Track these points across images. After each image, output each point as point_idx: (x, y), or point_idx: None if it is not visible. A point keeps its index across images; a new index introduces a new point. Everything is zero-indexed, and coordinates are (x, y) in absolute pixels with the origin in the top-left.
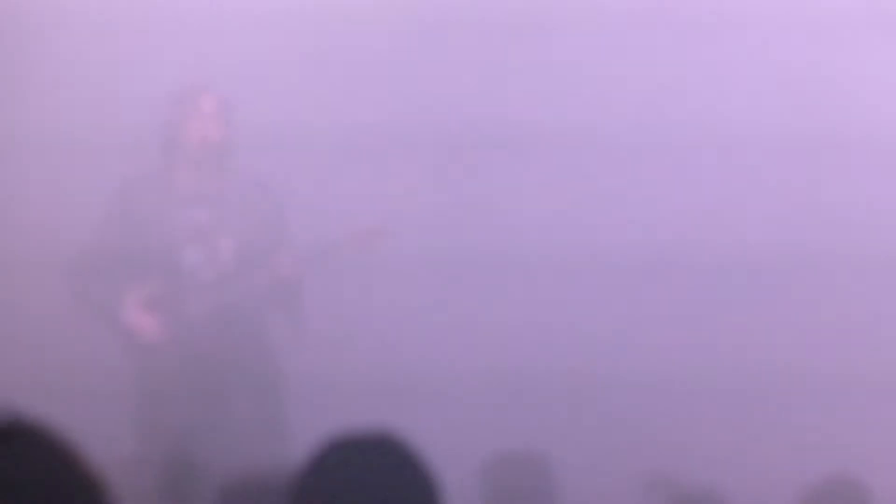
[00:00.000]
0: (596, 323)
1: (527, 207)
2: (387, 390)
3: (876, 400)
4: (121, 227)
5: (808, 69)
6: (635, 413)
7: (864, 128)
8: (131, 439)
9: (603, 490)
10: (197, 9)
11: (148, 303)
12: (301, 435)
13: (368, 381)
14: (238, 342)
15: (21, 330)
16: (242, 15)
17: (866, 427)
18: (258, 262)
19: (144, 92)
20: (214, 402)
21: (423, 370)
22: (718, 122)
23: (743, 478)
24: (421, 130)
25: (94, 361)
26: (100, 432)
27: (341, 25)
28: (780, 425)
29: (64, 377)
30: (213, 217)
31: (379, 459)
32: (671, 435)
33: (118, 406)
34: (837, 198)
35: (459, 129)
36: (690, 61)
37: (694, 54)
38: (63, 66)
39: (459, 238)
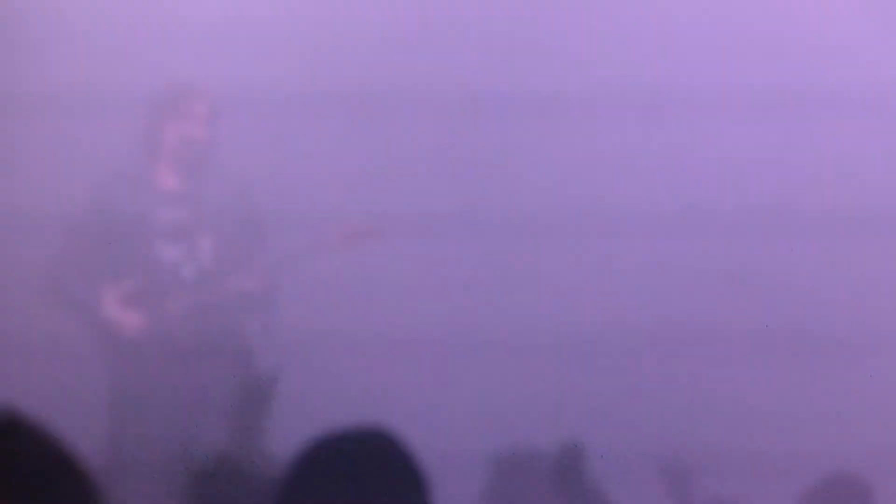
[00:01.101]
0: (604, 283)
1: (529, 171)
2: (380, 384)
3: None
4: (100, 222)
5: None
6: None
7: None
8: (111, 436)
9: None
10: None
11: (127, 298)
12: (284, 434)
13: (361, 375)
14: (218, 340)
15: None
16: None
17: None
18: (238, 261)
19: (128, 86)
20: (194, 399)
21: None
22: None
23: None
24: (419, 99)
25: (73, 357)
26: (80, 430)
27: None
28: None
29: (44, 372)
30: (192, 215)
31: (367, 454)
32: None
33: (96, 403)
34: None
35: (460, 94)
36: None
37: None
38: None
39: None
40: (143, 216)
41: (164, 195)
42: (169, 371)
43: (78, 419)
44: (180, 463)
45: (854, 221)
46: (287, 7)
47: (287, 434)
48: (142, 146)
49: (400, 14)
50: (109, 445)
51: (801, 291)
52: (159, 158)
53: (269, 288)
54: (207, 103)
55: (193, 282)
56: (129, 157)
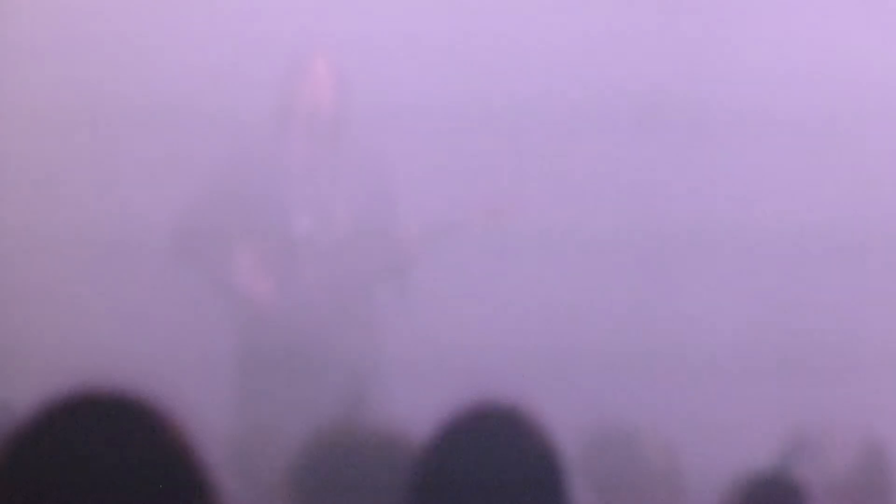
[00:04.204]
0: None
1: None
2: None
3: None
4: (232, 191)
5: None
6: None
7: None
8: (230, 405)
9: None
10: None
11: (260, 265)
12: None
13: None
14: (348, 313)
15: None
16: None
17: None
18: (374, 234)
19: (259, 61)
20: (319, 370)
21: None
22: None
23: None
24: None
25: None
26: (207, 395)
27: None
28: None
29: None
30: (326, 187)
31: (502, 431)
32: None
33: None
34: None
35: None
36: None
37: None
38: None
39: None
40: (274, 187)
41: (295, 167)
42: (299, 340)
43: (204, 385)
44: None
45: None
46: None
47: (420, 406)
48: (275, 114)
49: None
50: (234, 410)
51: None
52: (290, 130)
53: (406, 261)
54: (337, 73)
55: (327, 251)
56: (261, 126)
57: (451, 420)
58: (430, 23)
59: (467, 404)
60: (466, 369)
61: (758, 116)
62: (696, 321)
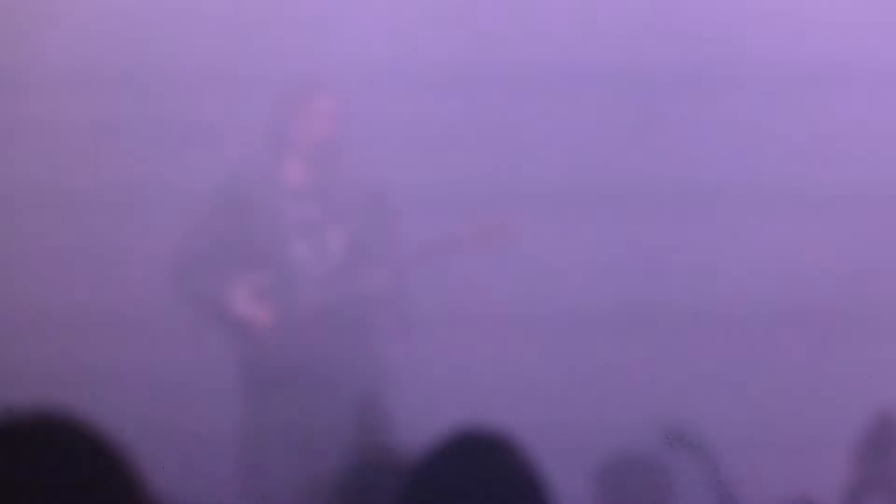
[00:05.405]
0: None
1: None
2: (495, 386)
3: None
4: (228, 218)
5: None
6: None
7: None
8: (238, 431)
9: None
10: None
11: (258, 294)
12: (406, 432)
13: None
14: (347, 337)
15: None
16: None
17: None
18: (369, 257)
19: (256, 84)
20: (320, 396)
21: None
22: None
23: None
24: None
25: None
26: (206, 424)
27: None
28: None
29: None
30: (322, 211)
31: (488, 458)
32: None
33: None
34: None
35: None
36: None
37: None
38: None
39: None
40: (271, 212)
41: (292, 192)
42: (299, 366)
43: (205, 414)
44: (308, 461)
45: None
46: None
47: (420, 427)
48: (269, 141)
49: None
50: (237, 440)
51: None
52: (287, 154)
53: (400, 283)
54: (334, 99)
55: (323, 277)
56: (257, 150)
57: (436, 447)
58: (426, 37)
59: (453, 431)
60: (465, 388)
61: (768, 78)
62: (697, 312)
